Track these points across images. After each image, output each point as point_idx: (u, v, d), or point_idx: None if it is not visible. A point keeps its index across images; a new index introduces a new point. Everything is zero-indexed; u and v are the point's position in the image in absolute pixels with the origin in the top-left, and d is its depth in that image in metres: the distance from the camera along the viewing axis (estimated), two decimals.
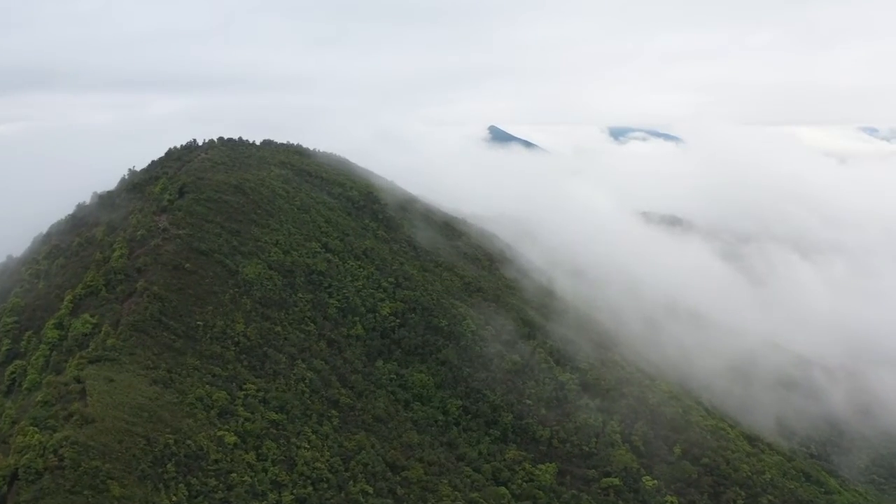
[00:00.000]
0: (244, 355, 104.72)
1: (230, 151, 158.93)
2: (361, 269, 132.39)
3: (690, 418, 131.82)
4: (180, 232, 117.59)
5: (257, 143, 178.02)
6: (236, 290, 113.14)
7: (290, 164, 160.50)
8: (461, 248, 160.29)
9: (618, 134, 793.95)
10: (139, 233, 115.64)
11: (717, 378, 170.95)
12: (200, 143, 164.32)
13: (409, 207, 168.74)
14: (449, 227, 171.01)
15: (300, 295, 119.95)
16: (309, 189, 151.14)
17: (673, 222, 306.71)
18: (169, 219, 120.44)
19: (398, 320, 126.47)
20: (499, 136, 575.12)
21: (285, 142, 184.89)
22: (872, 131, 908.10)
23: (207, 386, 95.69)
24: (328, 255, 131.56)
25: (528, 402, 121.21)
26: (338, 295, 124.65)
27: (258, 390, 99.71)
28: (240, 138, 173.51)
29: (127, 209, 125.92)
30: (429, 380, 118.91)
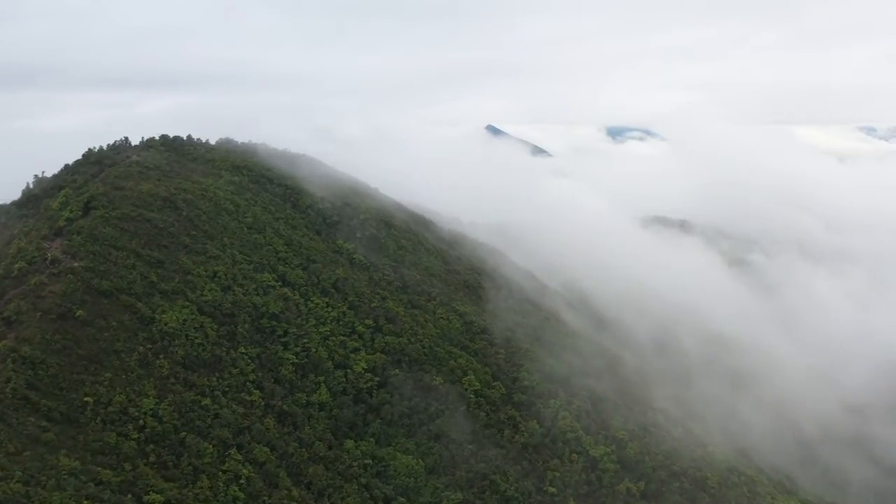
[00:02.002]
0: (152, 446, 73.00)
1: (171, 153, 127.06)
2: (330, 309, 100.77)
3: (760, 501, 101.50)
4: (76, 264, 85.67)
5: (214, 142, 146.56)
6: (150, 346, 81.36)
7: (247, 169, 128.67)
8: (461, 274, 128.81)
9: (615, 133, 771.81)
10: (17, 265, 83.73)
11: (763, 427, 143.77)
12: (137, 143, 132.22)
13: (396, 222, 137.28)
14: (445, 246, 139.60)
15: (242, 349, 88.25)
16: (267, 201, 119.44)
17: (675, 226, 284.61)
18: (63, 245, 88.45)
19: (377, 379, 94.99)
20: (496, 136, 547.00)
21: (247, 141, 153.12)
22: (871, 131, 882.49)
23: (86, 502, 64.09)
24: (286, 289, 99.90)
25: (552, 489, 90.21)
26: (296, 346, 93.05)
27: (166, 503, 68.15)
28: (189, 137, 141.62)
29: (12, 231, 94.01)
30: (417, 464, 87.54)
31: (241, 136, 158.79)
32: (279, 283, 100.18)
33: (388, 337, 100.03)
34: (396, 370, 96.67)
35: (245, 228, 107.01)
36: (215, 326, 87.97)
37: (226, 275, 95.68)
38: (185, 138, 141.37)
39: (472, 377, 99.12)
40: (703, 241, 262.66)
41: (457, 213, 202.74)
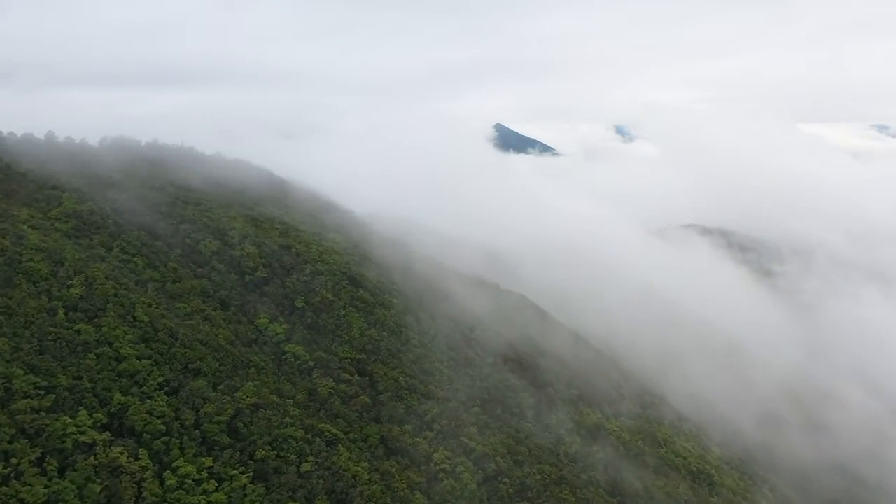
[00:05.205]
0: None
1: None
2: (209, 490, 48.88)
3: None
4: None
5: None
6: None
7: (123, 191, 77.20)
8: (478, 367, 76.48)
9: (625, 132, 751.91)
10: None
11: None
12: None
13: (369, 276, 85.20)
14: (457, 311, 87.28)
15: None
16: (135, 247, 67.62)
17: (689, 233, 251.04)
18: None
19: None
20: (505, 136, 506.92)
21: (153, 140, 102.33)
22: (882, 128, 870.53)
23: None
24: (117, 450, 47.87)
25: None
26: None
27: None
28: (49, 134, 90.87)
29: None
30: None
31: (171, 136, 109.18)
32: (106, 436, 48.11)
33: None
34: None
35: (61, 311, 54.97)
36: None
37: None
38: (45, 138, 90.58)
39: None
40: (722, 249, 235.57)
41: (461, 230, 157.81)
